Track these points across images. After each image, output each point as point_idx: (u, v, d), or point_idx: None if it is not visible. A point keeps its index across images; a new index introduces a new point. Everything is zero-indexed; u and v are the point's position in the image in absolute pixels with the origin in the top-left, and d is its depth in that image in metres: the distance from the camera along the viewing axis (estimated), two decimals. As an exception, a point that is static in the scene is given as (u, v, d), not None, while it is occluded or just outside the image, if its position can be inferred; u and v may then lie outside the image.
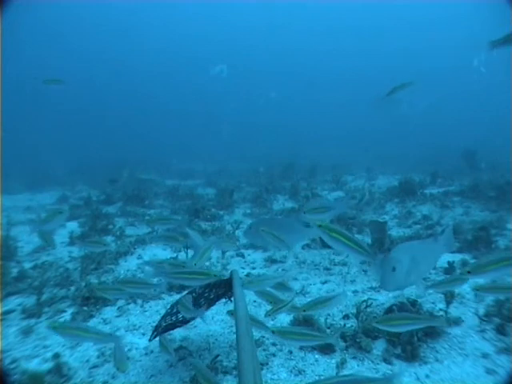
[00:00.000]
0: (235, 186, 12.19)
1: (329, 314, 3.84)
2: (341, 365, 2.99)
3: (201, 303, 3.18)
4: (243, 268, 5.47)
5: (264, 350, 3.29)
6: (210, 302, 3.30)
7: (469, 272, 2.14)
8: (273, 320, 3.81)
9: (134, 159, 20.99)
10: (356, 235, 6.54)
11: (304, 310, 2.75)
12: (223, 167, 19.20)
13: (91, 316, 4.06)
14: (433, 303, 3.96)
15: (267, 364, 3.08)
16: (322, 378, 2.81)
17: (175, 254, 6.06)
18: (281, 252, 6.08)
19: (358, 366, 3.00)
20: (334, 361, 3.08)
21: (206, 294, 3.24)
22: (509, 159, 12.62)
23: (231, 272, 3.32)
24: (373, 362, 3.04)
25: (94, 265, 5.43)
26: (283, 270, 5.32)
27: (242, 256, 5.99)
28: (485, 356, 3.04)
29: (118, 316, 4.09)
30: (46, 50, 51.11)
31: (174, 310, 3.13)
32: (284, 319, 3.81)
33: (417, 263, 2.70)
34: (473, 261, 5.17)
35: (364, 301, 3.65)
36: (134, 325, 3.87)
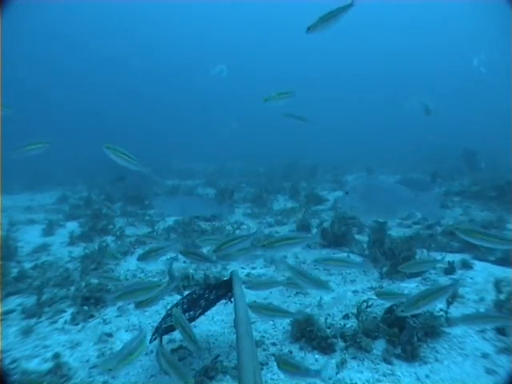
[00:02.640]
0: (235, 186, 12.20)
1: (329, 314, 3.84)
2: (341, 365, 2.99)
3: (201, 304, 3.18)
4: (243, 268, 5.47)
5: (264, 350, 3.29)
6: (210, 303, 3.30)
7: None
8: (272, 320, 3.82)
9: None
10: (356, 235, 6.54)
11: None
12: (223, 167, 19.21)
13: (91, 316, 4.06)
14: (433, 303, 3.96)
15: (267, 364, 3.08)
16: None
17: (175, 254, 6.06)
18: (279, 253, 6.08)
19: (357, 365, 3.00)
20: (333, 361, 3.08)
21: (206, 295, 3.24)
22: (509, 159, 12.63)
23: (231, 273, 3.32)
24: (373, 361, 3.04)
25: (94, 265, 5.43)
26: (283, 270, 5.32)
27: (242, 256, 5.98)
28: (485, 356, 3.04)
29: (118, 316, 4.08)
30: (45, 50, 51.11)
31: None
32: (284, 319, 3.80)
33: (368, 197, 2.84)
34: (473, 261, 5.18)
35: (364, 301, 3.65)
36: (134, 325, 3.87)
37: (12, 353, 3.35)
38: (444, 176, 12.19)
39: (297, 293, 4.48)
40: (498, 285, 4.11)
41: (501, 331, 3.34)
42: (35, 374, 3.01)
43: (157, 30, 60.12)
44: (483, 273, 4.69)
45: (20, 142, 3.81)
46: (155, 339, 3.02)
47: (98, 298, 4.30)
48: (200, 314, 3.20)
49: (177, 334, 3.58)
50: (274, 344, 3.37)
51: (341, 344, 3.29)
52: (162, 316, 3.21)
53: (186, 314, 3.04)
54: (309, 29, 2.75)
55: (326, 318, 3.72)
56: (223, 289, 3.27)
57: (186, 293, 3.75)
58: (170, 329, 3.18)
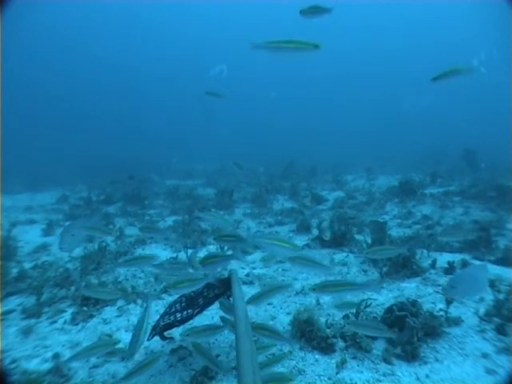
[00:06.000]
0: (235, 186, 12.19)
1: (329, 314, 3.84)
2: (341, 365, 2.98)
3: (199, 302, 3.18)
4: (243, 268, 5.47)
5: (264, 349, 3.28)
6: (209, 301, 3.30)
7: None
8: (272, 320, 3.82)
9: (134, 159, 21.02)
10: (356, 235, 6.53)
11: None
12: (223, 167, 19.21)
13: (91, 316, 4.06)
14: (433, 303, 3.96)
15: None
16: None
17: (175, 254, 6.06)
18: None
19: (358, 365, 3.00)
20: (333, 361, 3.07)
21: (204, 293, 3.23)
22: (509, 159, 12.63)
23: (230, 272, 3.32)
24: (373, 362, 3.04)
25: (94, 265, 5.43)
26: (283, 270, 5.32)
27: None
28: (485, 356, 3.04)
29: (118, 316, 4.08)
30: (45, 50, 51.10)
31: (173, 310, 3.13)
32: (284, 319, 3.81)
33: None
34: (472, 261, 5.17)
35: (363, 300, 3.65)
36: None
37: (12, 353, 3.35)
38: (444, 176, 12.20)
39: (297, 293, 4.48)
40: (497, 285, 4.11)
41: (501, 331, 3.33)
42: (35, 373, 3.01)
43: (156, 30, 60.14)
44: (483, 273, 4.68)
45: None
46: (153, 337, 3.02)
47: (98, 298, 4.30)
48: (198, 313, 3.20)
49: (177, 334, 3.58)
50: (273, 344, 3.36)
51: (341, 344, 3.29)
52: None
53: (184, 312, 3.04)
54: (300, 12, 3.10)
55: (327, 319, 3.72)
56: (222, 287, 3.27)
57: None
58: (168, 327, 3.19)
